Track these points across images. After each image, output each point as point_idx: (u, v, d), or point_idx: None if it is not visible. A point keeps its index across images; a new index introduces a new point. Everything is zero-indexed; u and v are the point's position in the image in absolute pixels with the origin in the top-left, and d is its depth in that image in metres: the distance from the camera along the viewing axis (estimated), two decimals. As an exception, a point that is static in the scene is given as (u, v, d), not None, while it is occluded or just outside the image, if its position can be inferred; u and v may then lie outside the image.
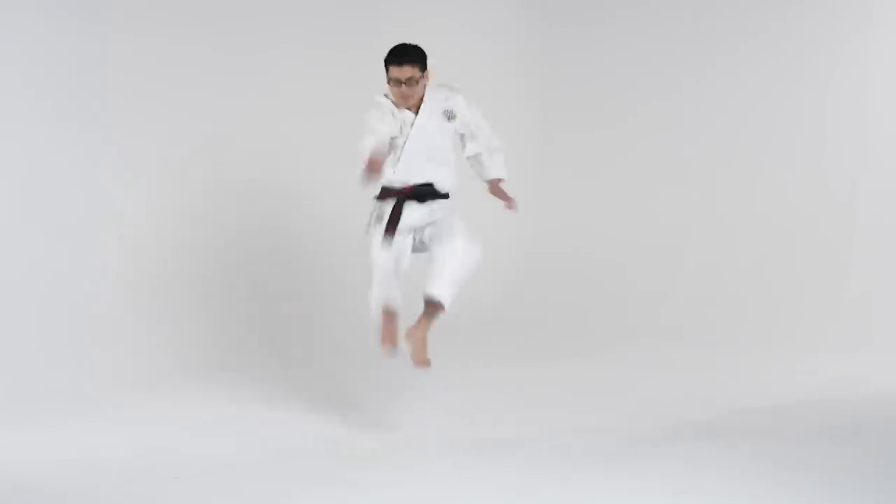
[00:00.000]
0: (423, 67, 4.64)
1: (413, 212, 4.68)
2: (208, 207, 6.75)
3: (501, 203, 4.90)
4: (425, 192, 4.67)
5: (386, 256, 4.67)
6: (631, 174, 7.71)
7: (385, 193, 4.71)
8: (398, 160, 4.67)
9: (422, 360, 4.71)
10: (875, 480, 4.06)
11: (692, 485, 4.01)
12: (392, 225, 4.64)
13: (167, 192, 6.58)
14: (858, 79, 6.54)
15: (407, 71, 4.57)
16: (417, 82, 4.60)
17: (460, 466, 4.35)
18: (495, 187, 4.88)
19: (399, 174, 4.66)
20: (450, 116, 4.71)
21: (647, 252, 7.50)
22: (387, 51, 4.67)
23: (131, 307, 6.28)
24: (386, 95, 4.72)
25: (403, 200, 4.67)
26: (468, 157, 4.88)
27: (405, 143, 4.65)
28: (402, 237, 4.69)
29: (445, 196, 4.73)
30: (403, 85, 4.58)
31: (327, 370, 6.14)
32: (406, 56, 4.58)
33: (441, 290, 4.68)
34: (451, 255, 4.71)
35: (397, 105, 4.67)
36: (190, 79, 6.62)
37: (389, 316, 4.76)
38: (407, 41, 4.69)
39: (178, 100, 6.57)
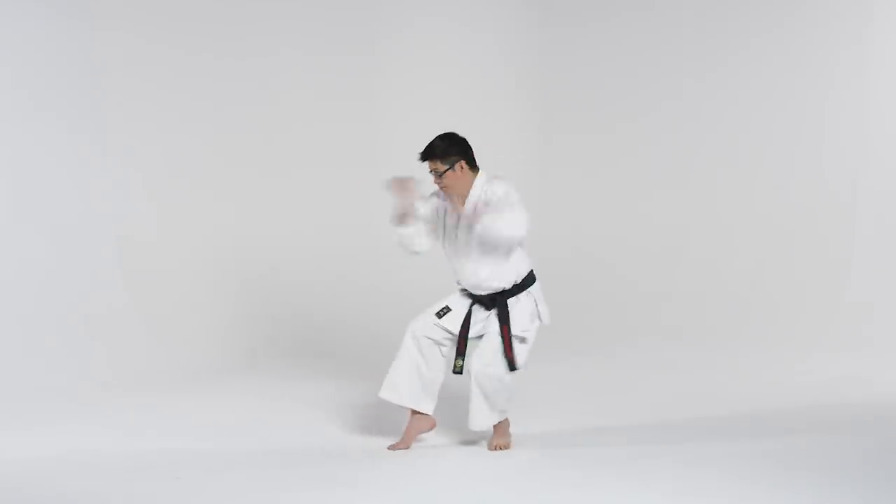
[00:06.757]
0: (447, 160, 4.50)
1: (475, 322, 4.60)
2: (207, 208, 6.75)
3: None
4: (490, 300, 4.59)
5: (429, 343, 4.58)
6: (631, 174, 7.71)
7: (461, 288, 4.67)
8: (456, 261, 4.61)
9: (506, 445, 4.61)
10: (875, 480, 4.07)
11: (692, 485, 4.01)
12: (463, 335, 4.57)
13: (165, 192, 6.58)
14: (858, 79, 6.54)
15: (429, 165, 4.53)
16: (443, 174, 4.50)
17: (460, 466, 4.35)
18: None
19: (459, 274, 4.61)
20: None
21: (648, 252, 7.51)
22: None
23: (129, 307, 6.28)
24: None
25: (472, 305, 4.60)
26: None
27: (456, 243, 4.60)
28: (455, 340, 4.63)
29: (511, 293, 4.58)
30: (436, 179, 4.55)
31: (327, 370, 6.14)
32: (427, 152, 4.51)
33: (483, 423, 4.54)
34: (481, 380, 4.52)
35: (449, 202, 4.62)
36: (189, 79, 6.63)
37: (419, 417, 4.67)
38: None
39: (176, 100, 6.58)
